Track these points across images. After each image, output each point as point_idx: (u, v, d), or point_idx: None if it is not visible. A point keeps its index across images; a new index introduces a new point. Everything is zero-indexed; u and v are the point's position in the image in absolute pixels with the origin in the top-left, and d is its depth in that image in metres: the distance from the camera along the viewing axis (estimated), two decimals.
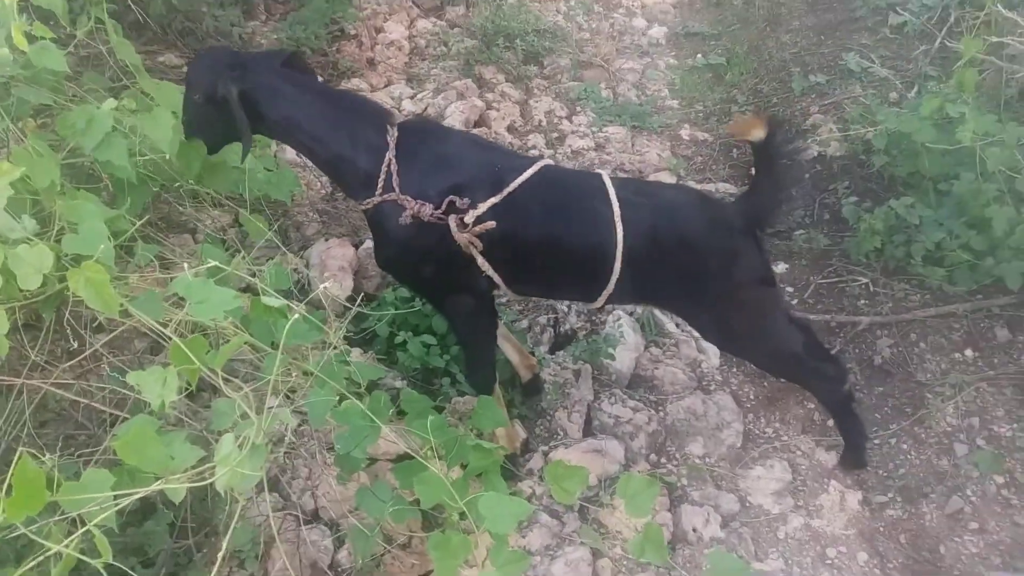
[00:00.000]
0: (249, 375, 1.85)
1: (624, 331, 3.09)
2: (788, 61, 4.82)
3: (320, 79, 4.46)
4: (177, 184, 2.49)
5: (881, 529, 2.55)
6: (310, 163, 2.64)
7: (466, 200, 2.13)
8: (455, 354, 2.86)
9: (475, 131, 4.33)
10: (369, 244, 3.30)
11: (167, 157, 2.12)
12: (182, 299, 1.54)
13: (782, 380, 2.93)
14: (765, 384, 3.05)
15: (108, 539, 1.24)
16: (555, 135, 4.45)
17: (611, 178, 2.26)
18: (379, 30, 5.19)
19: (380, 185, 2.18)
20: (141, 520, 2.00)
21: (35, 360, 1.79)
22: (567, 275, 2.34)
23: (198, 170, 2.34)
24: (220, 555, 1.36)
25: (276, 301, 1.59)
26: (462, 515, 1.60)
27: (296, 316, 1.54)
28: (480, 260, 2.19)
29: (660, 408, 2.91)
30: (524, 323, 3.25)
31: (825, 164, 3.94)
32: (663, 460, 2.76)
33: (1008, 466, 2.63)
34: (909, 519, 2.56)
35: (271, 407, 1.50)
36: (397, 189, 2.15)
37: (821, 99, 4.42)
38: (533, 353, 2.92)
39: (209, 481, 1.36)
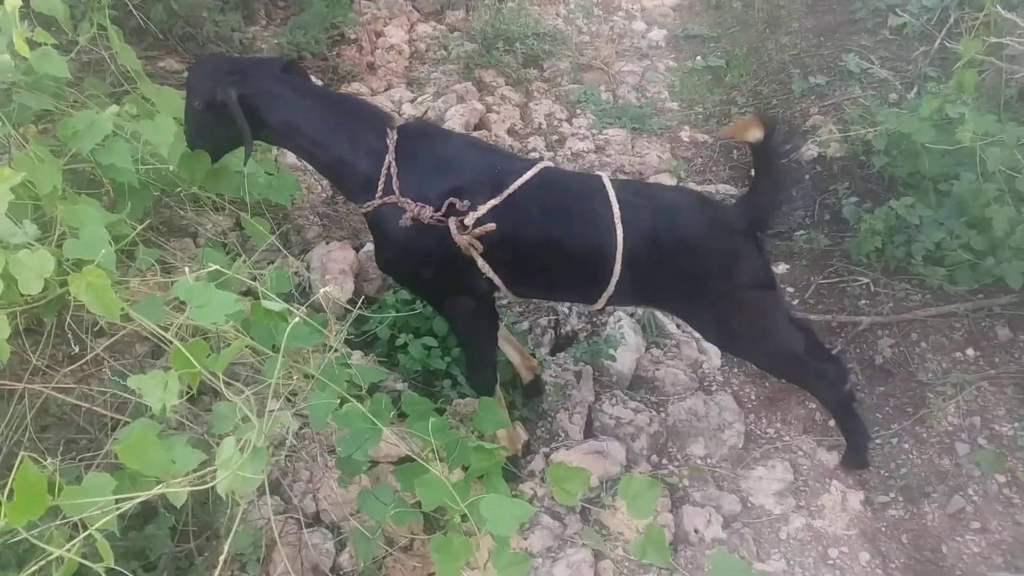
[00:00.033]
0: (250, 378, 1.85)
1: (625, 332, 3.10)
2: (788, 63, 4.83)
3: (319, 83, 4.48)
4: (178, 189, 2.50)
5: (883, 529, 2.54)
6: (310, 167, 2.64)
7: (466, 202, 2.14)
8: (456, 356, 2.86)
9: (475, 134, 4.34)
10: (369, 247, 3.31)
11: (170, 166, 2.12)
12: (183, 303, 1.54)
13: (783, 381, 2.93)
14: (766, 385, 3.05)
15: (109, 543, 1.24)
16: (555, 138, 4.46)
17: (611, 180, 2.26)
18: (379, 34, 5.20)
19: (380, 188, 2.18)
20: (142, 524, 2.00)
21: (36, 364, 1.79)
22: (567, 277, 2.34)
23: (201, 175, 2.35)
24: (222, 559, 1.37)
25: (277, 305, 1.59)
26: (464, 517, 1.60)
27: (297, 319, 1.54)
28: (480, 262, 2.19)
29: (661, 409, 2.91)
30: (525, 325, 3.25)
31: (825, 165, 3.94)
32: (664, 461, 2.76)
33: (1010, 465, 2.63)
34: (911, 519, 2.56)
35: (272, 410, 1.50)
36: (397, 192, 2.16)
37: (821, 100, 4.42)
38: (534, 355, 2.93)
39: (210, 485, 1.36)
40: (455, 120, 4.32)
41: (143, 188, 2.20)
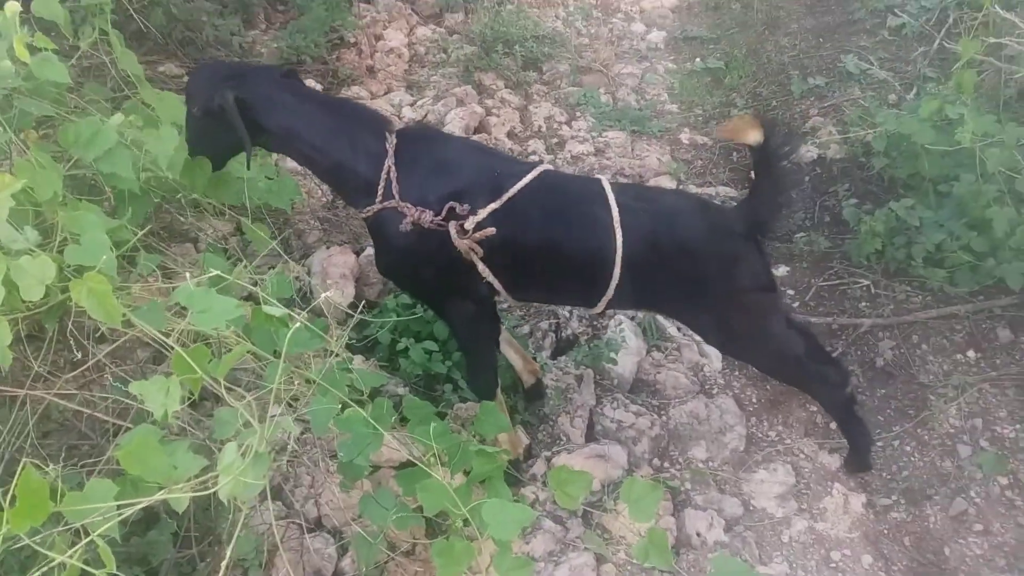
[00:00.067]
0: (251, 384, 1.85)
1: (626, 336, 3.10)
2: (787, 64, 4.84)
3: (319, 87, 4.49)
4: (179, 195, 2.50)
5: (885, 531, 2.54)
6: (310, 172, 2.64)
7: (466, 206, 2.14)
8: (457, 360, 2.86)
9: (475, 137, 4.34)
10: (370, 251, 3.31)
11: (169, 176, 2.12)
12: (184, 308, 1.54)
13: (784, 384, 2.93)
14: (768, 387, 3.05)
15: (111, 549, 1.24)
16: (555, 140, 4.46)
17: (611, 183, 2.26)
18: (379, 38, 5.21)
19: (380, 192, 2.18)
20: (145, 530, 2.00)
21: (38, 371, 1.79)
22: (567, 281, 2.34)
23: (202, 183, 2.35)
24: (224, 564, 1.36)
25: (278, 310, 1.59)
26: (465, 522, 1.60)
27: (298, 324, 1.54)
28: (480, 266, 2.19)
29: (663, 412, 2.91)
30: (526, 328, 3.25)
31: (825, 166, 3.94)
32: (666, 464, 2.76)
33: (1012, 467, 2.63)
34: (913, 521, 2.56)
35: (274, 415, 1.50)
36: (397, 196, 2.16)
37: (820, 102, 4.43)
38: (535, 358, 2.93)
39: (212, 490, 1.36)
40: (455, 123, 4.32)
41: (144, 194, 2.19)
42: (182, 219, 2.74)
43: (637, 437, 2.77)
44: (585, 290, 2.32)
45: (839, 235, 3.60)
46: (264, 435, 1.42)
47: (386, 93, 4.80)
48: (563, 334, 3.24)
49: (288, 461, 2.12)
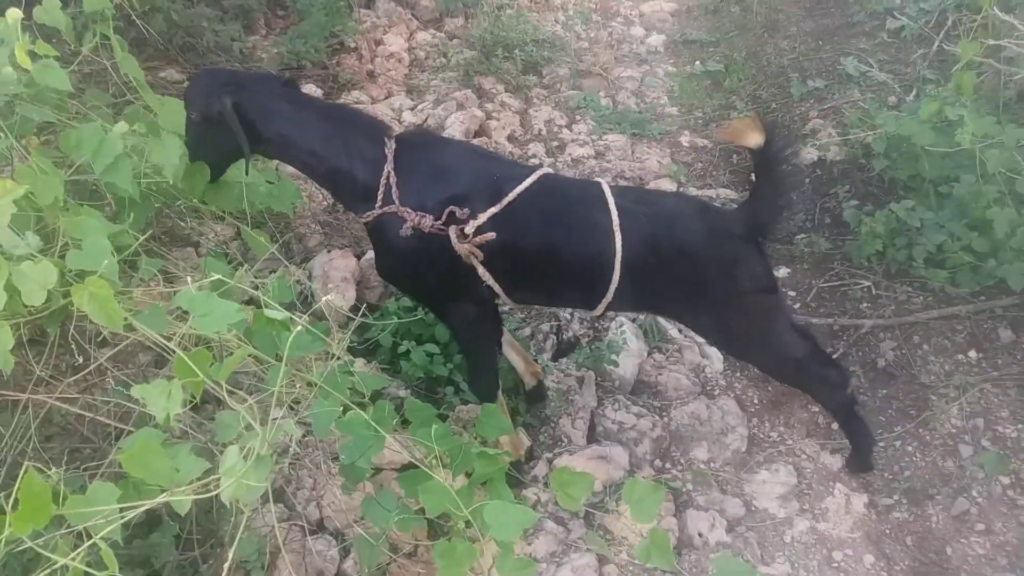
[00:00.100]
0: (253, 387, 1.85)
1: (627, 338, 3.10)
2: (786, 67, 4.84)
3: (319, 92, 4.50)
4: (179, 202, 2.51)
5: (887, 531, 2.54)
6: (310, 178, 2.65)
7: (466, 211, 2.14)
8: (458, 363, 2.86)
9: (475, 141, 4.35)
10: (371, 255, 3.31)
11: (171, 182, 2.13)
12: (186, 312, 1.54)
13: (786, 384, 2.93)
14: (769, 388, 3.05)
15: (114, 551, 1.25)
16: (555, 144, 4.47)
17: (611, 187, 2.26)
18: (379, 42, 5.22)
19: (380, 198, 2.19)
20: (147, 532, 2.00)
21: (40, 375, 1.79)
22: (566, 284, 2.35)
23: (203, 188, 2.35)
24: (226, 566, 1.37)
25: (279, 313, 1.60)
26: (467, 523, 1.60)
27: (299, 328, 1.55)
28: (480, 270, 2.20)
29: (664, 414, 2.91)
30: (527, 331, 3.26)
31: (825, 168, 3.94)
32: (668, 465, 2.76)
33: (1014, 467, 2.63)
34: (915, 521, 2.56)
35: (275, 418, 1.50)
36: (397, 201, 2.16)
37: (820, 104, 4.43)
38: (536, 360, 2.93)
39: (214, 493, 1.36)
40: (455, 127, 4.33)
41: (145, 199, 2.20)
42: (183, 224, 2.75)
43: (639, 438, 2.77)
44: (585, 293, 2.32)
45: (840, 236, 3.60)
46: (266, 438, 1.43)
47: (386, 97, 4.82)
48: (564, 336, 3.25)
49: (290, 464, 2.13)
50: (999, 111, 3.33)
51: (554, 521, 2.48)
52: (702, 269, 2.25)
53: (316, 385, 1.71)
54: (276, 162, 3.19)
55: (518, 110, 4.74)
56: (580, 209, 2.22)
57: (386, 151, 2.20)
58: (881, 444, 2.78)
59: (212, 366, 1.48)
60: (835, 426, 2.82)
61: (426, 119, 4.53)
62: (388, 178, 2.18)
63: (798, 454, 2.79)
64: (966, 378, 2.90)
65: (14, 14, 1.91)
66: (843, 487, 2.64)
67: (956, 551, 2.45)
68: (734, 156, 4.36)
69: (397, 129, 2.33)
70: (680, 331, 3.28)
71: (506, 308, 3.25)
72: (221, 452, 1.41)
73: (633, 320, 3.25)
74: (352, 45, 5.04)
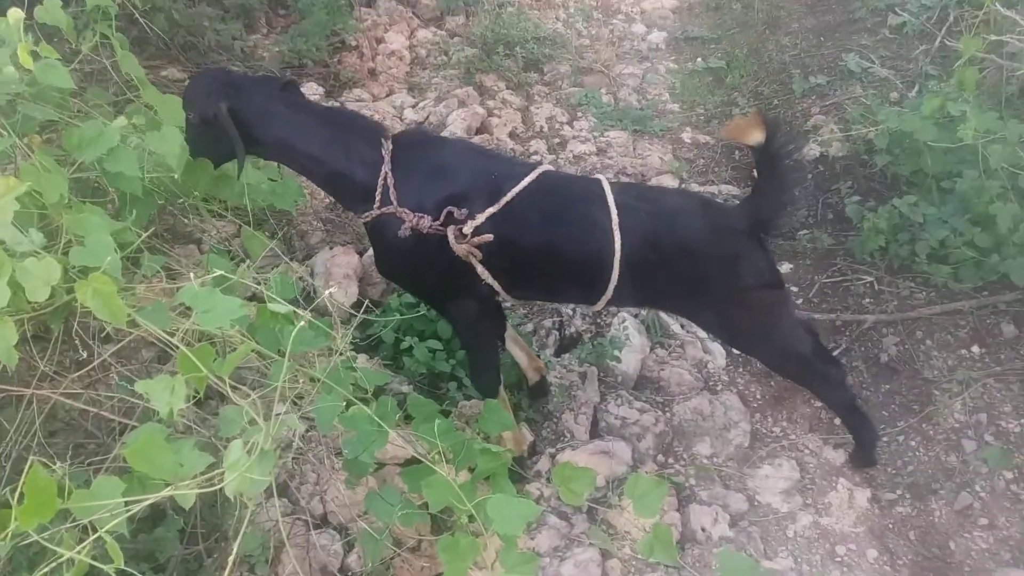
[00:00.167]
0: (256, 382, 1.86)
1: (629, 333, 3.10)
2: (788, 63, 4.84)
3: (321, 90, 4.49)
4: (181, 200, 2.51)
5: (890, 526, 2.54)
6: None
7: (464, 211, 2.14)
8: (461, 359, 2.87)
9: (477, 138, 4.36)
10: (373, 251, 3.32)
11: (175, 175, 2.14)
12: (189, 308, 1.55)
13: (788, 380, 2.93)
14: (772, 383, 3.06)
15: (119, 546, 1.25)
16: (557, 141, 4.47)
17: (612, 183, 2.26)
18: (380, 41, 5.22)
19: (378, 199, 2.19)
20: (151, 527, 2.01)
21: (44, 371, 1.80)
22: (566, 282, 2.35)
23: (205, 183, 2.36)
24: (230, 560, 1.37)
25: (283, 307, 1.60)
26: (471, 518, 1.60)
27: (302, 323, 1.55)
28: (479, 269, 2.20)
29: (667, 409, 2.91)
30: (529, 327, 3.26)
31: (827, 164, 3.94)
32: (671, 460, 2.76)
33: (1017, 461, 2.63)
34: (918, 516, 2.56)
35: (279, 413, 1.51)
36: (395, 202, 2.17)
37: (822, 100, 4.43)
38: (539, 356, 2.93)
39: (218, 487, 1.36)
40: (457, 125, 4.33)
41: (147, 196, 2.20)
42: (185, 221, 2.76)
43: (641, 433, 2.77)
44: (584, 290, 2.32)
45: (842, 232, 3.60)
46: (269, 433, 1.43)
47: (388, 95, 4.82)
48: (567, 332, 3.25)
49: (293, 458, 2.13)
50: (1001, 106, 3.33)
51: (557, 516, 2.49)
52: (704, 265, 2.24)
53: (319, 381, 1.71)
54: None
55: (519, 107, 4.74)
56: (579, 207, 2.22)
57: (383, 152, 2.20)
58: (884, 439, 2.78)
59: (215, 361, 1.48)
60: (838, 421, 2.82)
61: (427, 117, 4.53)
62: (386, 179, 2.18)
63: (801, 449, 2.79)
64: (969, 373, 2.90)
65: (16, 14, 1.91)
66: (846, 482, 2.64)
67: (959, 546, 2.45)
68: (736, 152, 4.36)
69: (395, 129, 2.32)
70: (683, 326, 3.28)
71: (508, 304, 3.25)
72: (225, 447, 1.41)
73: (635, 316, 3.25)
74: (353, 43, 5.04)
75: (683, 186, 4.09)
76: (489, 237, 2.13)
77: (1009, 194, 2.95)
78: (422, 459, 1.70)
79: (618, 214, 2.16)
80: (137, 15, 3.02)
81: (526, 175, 2.21)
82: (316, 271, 3.22)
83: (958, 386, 2.87)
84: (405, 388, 2.77)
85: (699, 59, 5.29)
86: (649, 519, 1.66)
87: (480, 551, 1.60)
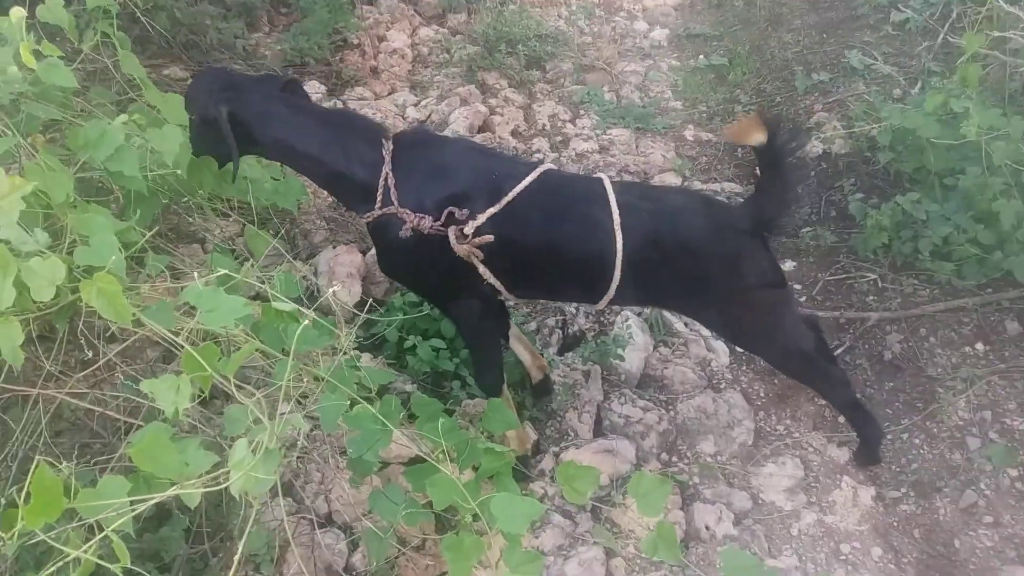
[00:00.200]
0: (261, 381, 1.86)
1: (633, 332, 3.10)
2: (790, 60, 4.83)
3: (323, 88, 4.49)
4: (185, 199, 2.52)
5: (895, 524, 2.54)
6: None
7: (465, 211, 2.14)
8: (464, 357, 2.87)
9: (479, 136, 4.35)
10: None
11: (178, 173, 2.14)
12: (193, 308, 1.55)
13: (792, 379, 2.93)
14: (775, 382, 3.05)
15: (125, 544, 1.25)
16: (559, 139, 4.47)
17: (614, 182, 2.25)
18: (382, 39, 5.22)
19: (379, 199, 2.19)
20: (157, 526, 2.02)
21: (50, 370, 1.80)
22: (567, 282, 2.35)
23: (209, 180, 2.36)
24: (236, 559, 1.38)
25: (287, 305, 1.60)
26: (475, 516, 1.60)
27: (306, 322, 1.55)
28: (481, 268, 2.20)
29: (670, 407, 2.91)
30: (533, 325, 3.26)
31: (830, 162, 3.94)
32: (674, 459, 2.76)
33: (1022, 459, 2.62)
34: (923, 514, 2.56)
35: (283, 412, 1.51)
36: (395, 202, 2.17)
37: (825, 97, 4.42)
38: (542, 355, 2.93)
39: (224, 486, 1.37)
40: (459, 123, 4.33)
41: (151, 196, 2.21)
42: (189, 220, 2.76)
43: (645, 432, 2.77)
44: (586, 290, 2.32)
45: (845, 230, 3.60)
46: (274, 432, 1.43)
47: (390, 94, 4.82)
48: (570, 330, 3.25)
49: (298, 457, 2.12)
50: (1004, 103, 3.32)
51: (561, 514, 2.49)
52: (705, 264, 2.24)
53: (323, 380, 1.72)
54: None
55: (522, 105, 4.74)
56: (581, 207, 2.21)
57: (383, 152, 2.20)
58: (888, 437, 2.78)
59: (220, 361, 1.49)
60: (841, 419, 2.82)
61: (430, 115, 4.53)
62: (386, 179, 2.18)
63: (805, 447, 2.79)
64: (973, 370, 2.89)
65: (18, 12, 1.91)
66: (850, 480, 2.64)
67: (964, 544, 2.45)
68: (739, 150, 4.35)
69: (395, 129, 2.32)
70: (686, 325, 3.28)
71: (511, 303, 3.25)
72: (230, 446, 1.41)
73: (639, 314, 3.25)
74: (355, 41, 5.04)
75: (686, 184, 4.08)
76: (490, 238, 2.13)
77: (1012, 191, 2.94)
78: (426, 458, 1.70)
79: (620, 213, 2.16)
80: (139, 14, 3.02)
81: (527, 174, 2.21)
82: (319, 270, 3.23)
83: (962, 384, 2.87)
84: (409, 387, 2.77)
85: (701, 56, 5.28)
86: (653, 517, 1.67)
87: (484, 550, 1.60)
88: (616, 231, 2.15)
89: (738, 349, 3.13)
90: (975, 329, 3.06)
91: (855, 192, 3.66)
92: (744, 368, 3.12)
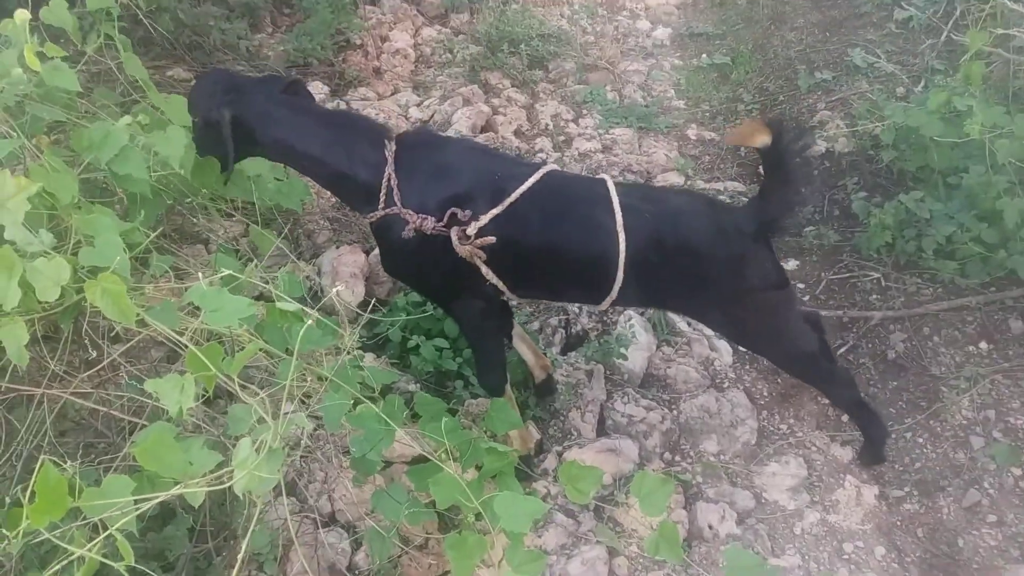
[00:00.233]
0: (264, 381, 1.87)
1: (636, 331, 3.10)
2: (793, 59, 4.83)
3: (326, 88, 4.50)
4: (189, 200, 2.52)
5: (898, 523, 2.54)
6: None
7: (467, 212, 2.15)
8: (467, 357, 2.87)
9: (482, 136, 4.36)
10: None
11: (181, 172, 2.15)
12: (197, 308, 1.56)
13: (795, 378, 2.92)
14: (779, 381, 3.05)
15: (129, 543, 1.26)
16: (562, 138, 4.47)
17: (617, 184, 2.25)
18: (384, 39, 5.23)
19: (382, 200, 2.20)
20: (161, 525, 2.02)
21: (54, 370, 1.81)
22: (569, 283, 2.35)
23: (213, 181, 2.37)
24: (239, 558, 1.38)
25: (291, 305, 1.61)
26: (478, 516, 1.61)
27: (310, 322, 1.56)
28: (484, 269, 2.20)
29: (674, 407, 2.91)
30: (535, 325, 3.26)
31: (833, 160, 3.93)
32: (678, 458, 2.76)
33: None
34: (926, 513, 2.55)
35: (287, 412, 1.51)
36: (398, 202, 2.17)
37: (828, 95, 4.42)
38: (545, 354, 2.94)
39: (227, 485, 1.37)
40: (462, 123, 4.33)
41: (155, 197, 2.22)
42: (193, 221, 2.77)
43: (648, 431, 2.77)
44: (588, 291, 2.32)
45: (848, 228, 3.59)
46: (278, 431, 1.44)
47: (393, 94, 4.82)
48: (573, 330, 3.25)
49: (302, 457, 2.14)
50: (1008, 101, 3.31)
51: (564, 514, 2.49)
52: (707, 266, 2.23)
53: (327, 379, 1.72)
54: None
55: (524, 105, 4.74)
56: (583, 208, 2.21)
57: (386, 153, 2.20)
58: (892, 436, 2.77)
59: (224, 360, 1.49)
60: (845, 418, 2.82)
61: (432, 115, 4.53)
62: (389, 180, 2.18)
63: (808, 446, 2.79)
64: (977, 369, 2.89)
65: (22, 15, 1.92)
66: (853, 479, 2.64)
67: (968, 543, 2.44)
68: (742, 149, 4.35)
69: (398, 129, 2.33)
70: (689, 324, 3.28)
71: (515, 303, 3.26)
72: (234, 445, 1.42)
73: (641, 313, 3.25)
74: (358, 42, 5.05)
75: (689, 183, 4.08)
76: (492, 239, 2.13)
77: (1016, 189, 2.94)
78: (429, 457, 1.70)
79: (623, 215, 2.16)
80: (141, 16, 3.03)
81: (530, 175, 2.21)
82: (323, 270, 3.23)
83: (966, 382, 2.87)
84: (412, 387, 2.77)
85: (704, 55, 5.28)
86: (656, 517, 1.67)
87: (487, 549, 1.60)
88: (619, 232, 2.15)
89: (741, 348, 3.13)
90: (979, 328, 3.05)
91: (858, 191, 3.66)
92: (747, 367, 3.12)
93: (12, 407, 1.87)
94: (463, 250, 2.14)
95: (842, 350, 3.11)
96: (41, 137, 2.12)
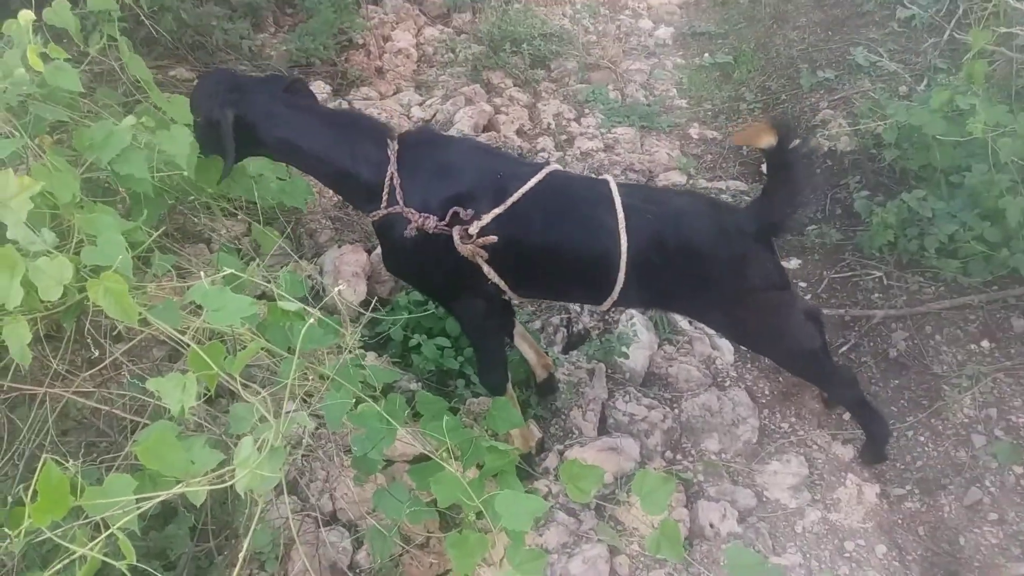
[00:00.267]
0: (266, 380, 1.87)
1: (637, 330, 3.10)
2: (796, 58, 4.82)
3: (328, 88, 4.50)
4: (191, 198, 2.53)
5: (899, 522, 2.54)
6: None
7: (470, 211, 2.15)
8: (469, 356, 2.88)
9: (484, 136, 4.36)
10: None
11: (185, 172, 2.15)
12: (199, 307, 1.56)
13: (798, 377, 2.92)
14: (780, 379, 3.05)
15: (131, 542, 1.26)
16: (564, 137, 4.47)
17: (620, 184, 2.25)
18: (387, 39, 5.23)
19: (384, 198, 2.20)
20: (163, 524, 2.03)
21: (57, 369, 1.82)
22: (571, 283, 2.35)
23: (215, 179, 2.37)
24: (241, 557, 1.38)
25: (293, 304, 1.61)
26: (479, 514, 1.61)
27: (312, 321, 1.56)
28: (485, 268, 2.20)
29: (675, 405, 2.91)
30: (537, 324, 3.27)
31: (836, 159, 3.93)
32: (679, 457, 2.76)
33: None
34: (928, 511, 2.55)
35: (288, 411, 1.52)
36: (401, 202, 2.17)
37: (830, 94, 4.41)
38: (547, 353, 2.94)
39: (229, 484, 1.38)
40: (464, 122, 4.33)
41: (158, 196, 2.22)
42: (195, 220, 2.77)
43: (649, 430, 2.77)
44: (590, 291, 2.32)
45: (851, 227, 3.59)
46: (279, 430, 1.44)
47: (395, 93, 4.83)
48: (574, 329, 3.25)
49: (303, 456, 2.14)
50: (1011, 99, 3.30)
51: (565, 512, 2.49)
52: (709, 268, 2.23)
53: (328, 378, 1.72)
54: None
55: (527, 104, 4.74)
56: (585, 208, 2.21)
57: (388, 152, 2.21)
58: (893, 434, 2.77)
59: (226, 359, 1.50)
60: (846, 416, 2.82)
61: (435, 114, 4.54)
62: (392, 179, 2.19)
63: (809, 445, 2.79)
64: (979, 368, 2.89)
65: (26, 16, 1.93)
66: (855, 477, 2.64)
67: (969, 541, 2.44)
68: (744, 148, 4.35)
69: (400, 128, 2.33)
70: (690, 323, 3.28)
71: (516, 302, 3.26)
72: (235, 444, 1.42)
73: (643, 312, 3.25)
74: (360, 41, 5.06)
75: (691, 182, 4.08)
76: (493, 239, 2.13)
77: (1019, 188, 2.93)
78: (431, 456, 1.71)
79: (625, 216, 2.16)
80: (143, 16, 3.04)
81: (532, 175, 2.21)
82: (325, 269, 3.24)
83: (967, 381, 2.86)
84: (414, 385, 2.78)
85: (706, 54, 5.28)
86: (657, 515, 1.67)
87: (488, 547, 1.61)
88: (621, 233, 2.15)
89: (743, 348, 3.13)
90: (981, 326, 3.05)
91: (861, 189, 3.66)
92: (749, 366, 3.12)
93: (14, 406, 1.88)
94: (465, 249, 2.14)
95: (844, 348, 3.11)
96: (44, 137, 2.12)
